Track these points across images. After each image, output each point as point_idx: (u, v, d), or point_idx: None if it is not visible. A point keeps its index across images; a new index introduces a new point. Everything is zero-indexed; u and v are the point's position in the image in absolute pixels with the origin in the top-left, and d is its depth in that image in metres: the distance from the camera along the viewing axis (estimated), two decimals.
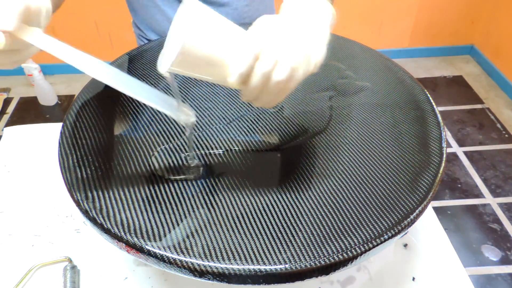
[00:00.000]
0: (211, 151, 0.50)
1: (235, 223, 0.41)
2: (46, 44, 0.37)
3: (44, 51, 0.37)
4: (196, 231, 0.40)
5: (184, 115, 0.43)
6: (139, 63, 0.66)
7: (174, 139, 0.52)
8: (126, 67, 0.65)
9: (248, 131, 0.53)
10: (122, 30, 1.96)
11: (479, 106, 1.96)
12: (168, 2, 0.74)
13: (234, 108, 0.57)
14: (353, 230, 0.40)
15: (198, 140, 0.52)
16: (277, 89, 0.39)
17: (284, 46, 0.38)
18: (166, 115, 0.55)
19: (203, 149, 0.51)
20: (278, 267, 0.37)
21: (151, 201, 0.43)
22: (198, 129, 0.54)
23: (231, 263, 0.37)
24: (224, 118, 0.56)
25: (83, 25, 2.03)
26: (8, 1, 0.34)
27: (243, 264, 0.37)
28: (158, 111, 0.52)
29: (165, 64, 0.38)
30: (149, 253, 0.38)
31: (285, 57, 0.38)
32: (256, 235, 0.40)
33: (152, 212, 0.42)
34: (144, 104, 0.57)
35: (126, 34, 1.92)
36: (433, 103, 0.57)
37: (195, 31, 0.36)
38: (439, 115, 0.55)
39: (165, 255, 0.38)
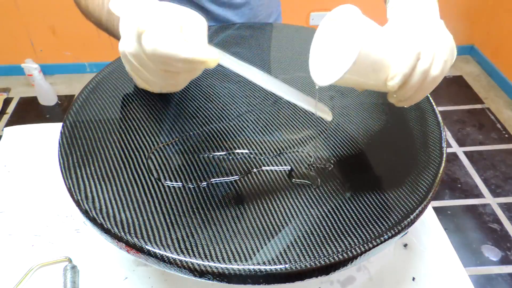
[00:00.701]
0: (212, 153, 0.50)
1: (235, 223, 0.41)
2: (227, 60, 0.38)
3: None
4: (196, 231, 0.40)
5: (321, 112, 0.46)
6: None
7: (173, 139, 0.52)
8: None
9: (247, 132, 0.53)
10: None
11: (479, 106, 1.96)
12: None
13: (234, 108, 0.57)
14: (353, 230, 0.40)
15: (198, 140, 0.52)
16: (431, 85, 0.41)
17: (437, 42, 0.40)
18: (171, 116, 0.55)
19: (203, 151, 0.51)
20: (278, 267, 0.37)
21: (151, 201, 0.43)
22: (199, 129, 0.54)
23: (231, 263, 0.37)
24: (226, 116, 0.56)
25: (83, 25, 2.03)
26: (195, 18, 0.36)
27: (243, 264, 0.37)
28: (159, 110, 0.52)
29: (330, 76, 0.39)
30: (149, 253, 0.38)
31: (439, 53, 0.40)
32: (256, 235, 0.40)
33: (152, 212, 0.42)
34: (144, 104, 0.57)
35: None
36: (433, 103, 0.57)
37: (367, 38, 0.37)
38: (439, 115, 0.55)
39: (165, 255, 0.38)
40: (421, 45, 0.39)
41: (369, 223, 0.41)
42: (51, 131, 0.75)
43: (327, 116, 0.45)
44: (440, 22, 0.44)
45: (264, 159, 0.49)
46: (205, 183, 0.46)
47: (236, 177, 0.47)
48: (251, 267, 0.37)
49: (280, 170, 0.48)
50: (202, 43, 0.35)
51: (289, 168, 0.47)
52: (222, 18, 0.77)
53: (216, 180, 0.46)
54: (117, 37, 0.49)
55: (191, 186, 0.45)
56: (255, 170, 0.47)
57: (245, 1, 0.78)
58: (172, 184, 0.45)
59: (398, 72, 0.39)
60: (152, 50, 0.33)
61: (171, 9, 0.35)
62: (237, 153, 0.50)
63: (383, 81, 0.41)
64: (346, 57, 0.39)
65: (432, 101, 0.58)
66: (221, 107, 0.58)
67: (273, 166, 0.48)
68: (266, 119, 0.55)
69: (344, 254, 0.38)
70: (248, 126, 0.54)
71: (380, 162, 0.49)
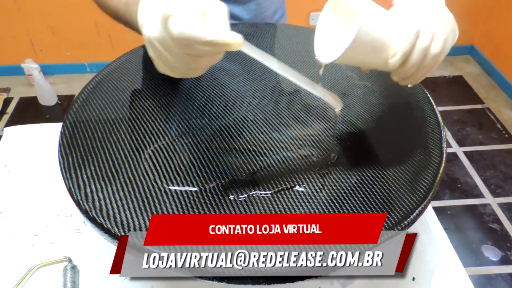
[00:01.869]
0: (213, 152, 0.50)
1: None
2: (247, 47, 0.39)
3: None
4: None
5: (330, 98, 0.46)
6: (140, 61, 0.66)
7: (173, 138, 0.52)
8: (127, 66, 0.65)
9: (249, 131, 0.53)
10: (122, 30, 1.96)
11: (479, 106, 1.96)
12: None
13: (235, 110, 0.57)
14: None
15: (198, 140, 0.52)
16: (432, 63, 0.42)
17: (437, 21, 0.41)
18: (171, 115, 0.55)
19: (203, 151, 0.51)
20: (279, 267, 0.37)
21: (151, 201, 0.43)
22: (199, 129, 0.54)
23: (232, 263, 0.37)
24: (226, 116, 0.56)
25: (83, 25, 2.03)
26: (216, 2, 0.37)
27: (244, 264, 0.37)
28: (159, 110, 0.52)
29: (333, 54, 0.41)
30: (149, 253, 0.38)
31: (439, 31, 0.41)
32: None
33: (152, 212, 0.42)
34: (144, 104, 0.57)
35: (126, 34, 1.92)
36: (433, 103, 0.57)
37: (366, 17, 0.39)
38: (439, 115, 0.55)
39: (165, 255, 0.38)
40: (420, 23, 0.40)
41: None
42: (51, 131, 0.75)
43: (338, 104, 0.47)
44: (442, 3, 0.45)
45: (265, 159, 0.49)
46: (212, 184, 0.46)
47: (236, 179, 0.47)
48: (252, 267, 0.37)
49: (279, 169, 0.48)
50: (225, 27, 0.36)
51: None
52: (229, 13, 0.77)
53: (215, 184, 0.46)
54: (135, 28, 0.50)
55: (192, 188, 0.45)
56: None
57: None
58: (180, 188, 0.45)
59: (398, 50, 0.41)
60: (179, 33, 0.34)
61: None
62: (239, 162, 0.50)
63: (385, 59, 0.42)
64: (348, 36, 0.41)
65: (432, 101, 0.58)
66: (221, 107, 0.58)
67: (274, 166, 0.48)
68: (267, 118, 0.56)
69: (344, 254, 0.38)
70: (249, 126, 0.54)
71: (380, 162, 0.48)
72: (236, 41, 0.36)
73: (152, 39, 0.37)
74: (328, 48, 0.44)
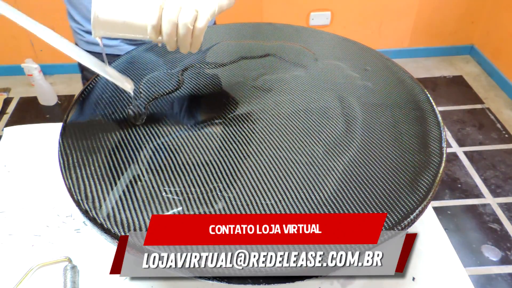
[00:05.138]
0: (212, 152, 0.50)
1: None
2: (5, 10, 0.42)
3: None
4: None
5: (120, 82, 0.51)
6: (137, 63, 0.66)
7: (173, 138, 0.52)
8: (127, 65, 0.65)
9: (247, 130, 0.53)
10: None
11: (479, 106, 1.96)
12: None
13: (239, 107, 0.57)
14: None
15: (199, 139, 0.52)
16: (189, 31, 0.46)
17: None
18: (171, 115, 0.55)
19: (204, 151, 0.51)
20: (279, 267, 0.37)
21: (151, 201, 0.43)
22: (199, 128, 0.54)
23: (232, 263, 0.37)
24: (234, 111, 0.56)
25: None
26: None
27: (244, 264, 0.37)
28: (159, 110, 0.52)
29: (92, 31, 0.47)
30: (148, 253, 0.38)
31: (187, 2, 0.45)
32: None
33: (152, 212, 0.42)
34: (145, 104, 0.57)
35: None
36: (433, 103, 0.57)
37: (104, 3, 0.44)
38: (439, 115, 0.55)
39: (165, 255, 0.38)
40: None
41: None
42: (51, 131, 0.75)
43: (127, 85, 0.51)
44: None
45: (266, 160, 0.49)
46: (213, 184, 0.46)
47: (235, 177, 0.47)
48: (252, 267, 0.37)
49: (279, 169, 0.48)
50: None
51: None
52: None
53: (215, 184, 0.46)
54: None
55: (192, 189, 0.45)
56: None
57: None
58: (174, 196, 0.45)
59: (148, 24, 0.46)
60: None
61: None
62: (236, 154, 0.50)
63: (145, 32, 0.47)
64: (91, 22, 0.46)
65: (432, 101, 0.58)
66: (226, 104, 0.58)
67: (270, 163, 0.48)
68: (268, 117, 0.56)
69: (344, 254, 0.38)
70: (250, 126, 0.54)
71: (380, 162, 0.48)
72: None
73: None
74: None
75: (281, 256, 0.38)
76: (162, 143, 0.51)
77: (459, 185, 1.58)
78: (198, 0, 0.46)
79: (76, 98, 0.58)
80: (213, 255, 0.38)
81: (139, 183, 0.46)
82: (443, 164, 0.48)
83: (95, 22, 0.45)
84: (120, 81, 0.51)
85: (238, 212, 0.43)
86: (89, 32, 0.79)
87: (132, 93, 0.52)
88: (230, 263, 0.37)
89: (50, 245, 0.57)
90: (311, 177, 0.47)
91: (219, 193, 0.45)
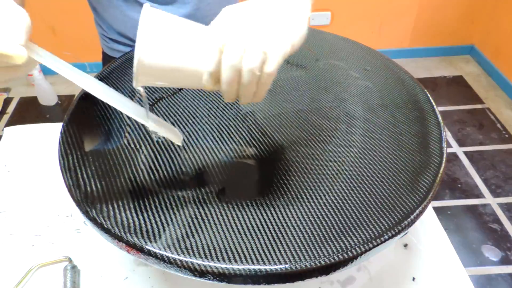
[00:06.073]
0: (212, 152, 0.50)
1: (235, 223, 0.41)
2: (47, 59, 0.36)
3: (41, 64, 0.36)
4: (197, 231, 0.40)
5: (168, 131, 0.42)
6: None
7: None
8: (127, 65, 0.65)
9: (248, 131, 0.53)
10: None
11: (479, 106, 1.96)
12: (126, 1, 0.73)
13: (238, 109, 0.57)
14: (353, 230, 0.40)
15: (198, 139, 0.52)
16: (254, 78, 0.36)
17: (249, 32, 0.36)
18: (172, 115, 0.55)
19: (204, 152, 0.51)
20: (279, 267, 0.37)
21: (151, 201, 0.43)
22: (200, 127, 0.54)
23: (231, 263, 0.37)
24: (222, 117, 0.56)
25: (83, 25, 2.03)
26: (15, 15, 0.34)
27: (244, 264, 0.37)
28: (160, 110, 0.52)
29: (134, 80, 0.37)
30: (149, 253, 0.38)
31: (252, 43, 0.35)
32: (256, 235, 0.40)
33: (153, 212, 0.42)
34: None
35: None
36: (433, 103, 0.57)
37: (150, 46, 0.35)
38: (439, 115, 0.55)
39: (165, 255, 0.38)
40: (224, 38, 0.35)
41: (369, 223, 0.41)
42: (51, 131, 0.75)
43: (177, 140, 0.42)
44: (295, 9, 0.39)
45: (266, 161, 0.49)
46: (213, 185, 0.46)
47: (235, 177, 0.47)
48: (252, 267, 0.37)
49: (279, 169, 0.48)
50: (13, 38, 0.33)
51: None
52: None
53: (216, 184, 0.46)
54: None
55: (193, 191, 0.45)
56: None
57: None
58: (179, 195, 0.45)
59: (203, 70, 0.36)
60: None
61: None
62: (236, 152, 0.50)
63: (199, 80, 0.37)
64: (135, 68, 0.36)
65: (432, 101, 0.58)
66: (222, 106, 0.58)
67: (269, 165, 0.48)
68: (269, 119, 0.56)
69: (344, 254, 0.38)
70: (251, 126, 0.54)
71: (380, 162, 0.48)
72: (17, 54, 0.32)
73: None
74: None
75: (281, 256, 0.38)
76: (162, 142, 0.51)
77: (459, 185, 1.58)
78: (266, 39, 0.36)
79: (76, 98, 0.58)
80: (213, 255, 0.38)
81: (139, 183, 0.46)
82: (443, 164, 0.48)
83: (139, 69, 0.36)
84: (169, 132, 0.42)
85: (233, 210, 0.43)
86: (113, 40, 0.80)
87: (181, 145, 0.45)
88: (231, 262, 0.37)
89: (50, 245, 0.57)
90: (311, 177, 0.47)
91: (219, 194, 0.45)
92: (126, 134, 0.52)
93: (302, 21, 0.39)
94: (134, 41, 0.70)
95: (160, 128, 0.40)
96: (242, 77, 0.36)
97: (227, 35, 0.35)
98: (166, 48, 0.36)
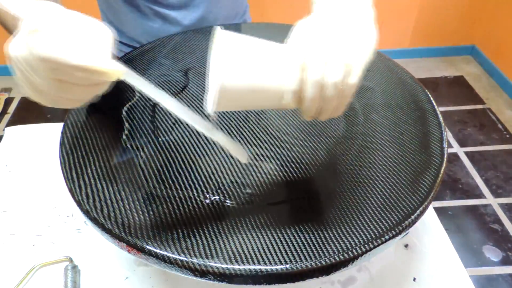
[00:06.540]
0: (212, 152, 0.50)
1: (235, 223, 0.41)
2: (130, 76, 0.35)
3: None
4: (197, 231, 0.40)
5: (233, 147, 0.40)
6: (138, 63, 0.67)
7: (173, 136, 0.52)
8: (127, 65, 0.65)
9: (249, 132, 0.54)
10: None
11: (480, 106, 1.96)
12: (138, 9, 0.73)
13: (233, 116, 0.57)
14: (354, 230, 0.40)
15: (199, 138, 0.52)
16: (338, 92, 0.35)
17: (327, 46, 0.35)
18: (167, 114, 0.55)
19: (207, 153, 0.51)
20: (279, 267, 0.37)
21: (152, 201, 0.43)
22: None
23: (232, 263, 0.37)
24: (227, 120, 0.56)
25: None
26: (103, 31, 0.33)
27: (244, 264, 0.37)
28: (160, 109, 0.52)
29: (209, 105, 0.36)
30: (150, 253, 0.38)
31: (333, 56, 0.34)
32: (257, 235, 0.40)
33: (153, 212, 0.42)
34: (145, 104, 0.57)
35: None
36: (434, 103, 0.57)
37: (231, 69, 0.34)
38: (440, 115, 0.55)
39: (166, 255, 0.38)
40: (303, 55, 0.35)
41: (370, 223, 0.41)
42: (52, 131, 0.75)
43: (242, 155, 0.41)
44: (363, 14, 0.39)
45: (267, 162, 0.49)
46: (213, 185, 0.46)
47: (236, 177, 0.47)
48: (252, 267, 0.37)
49: (279, 169, 0.48)
50: (103, 54, 0.32)
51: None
52: (171, 18, 0.75)
53: (216, 184, 0.46)
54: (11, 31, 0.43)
55: (193, 190, 0.45)
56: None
57: (185, 2, 0.73)
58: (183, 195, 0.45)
59: (286, 90, 0.35)
60: (40, 52, 0.30)
61: (74, 15, 0.33)
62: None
63: (279, 100, 0.36)
64: (214, 93, 0.35)
65: (433, 101, 0.58)
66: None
67: (270, 163, 0.48)
68: (270, 121, 0.56)
69: (345, 254, 0.38)
70: (252, 127, 0.54)
71: (381, 163, 0.48)
72: (112, 69, 0.32)
73: (17, 57, 0.32)
74: (209, 98, 0.38)
75: (281, 255, 0.38)
76: (163, 142, 0.51)
77: (460, 186, 1.57)
78: (345, 50, 0.35)
79: None
80: (214, 254, 0.38)
81: (140, 183, 0.46)
82: (444, 165, 0.48)
83: (222, 93, 0.34)
84: (235, 148, 0.40)
85: (233, 210, 0.43)
86: (122, 42, 0.81)
87: (246, 162, 0.44)
88: (231, 262, 0.37)
89: (51, 245, 0.57)
90: (311, 177, 0.47)
91: (219, 194, 0.45)
92: (126, 134, 0.52)
93: (372, 26, 0.39)
94: (143, 45, 0.71)
95: (227, 144, 0.39)
96: (325, 92, 0.35)
97: (306, 51, 0.35)
98: (247, 70, 0.34)
